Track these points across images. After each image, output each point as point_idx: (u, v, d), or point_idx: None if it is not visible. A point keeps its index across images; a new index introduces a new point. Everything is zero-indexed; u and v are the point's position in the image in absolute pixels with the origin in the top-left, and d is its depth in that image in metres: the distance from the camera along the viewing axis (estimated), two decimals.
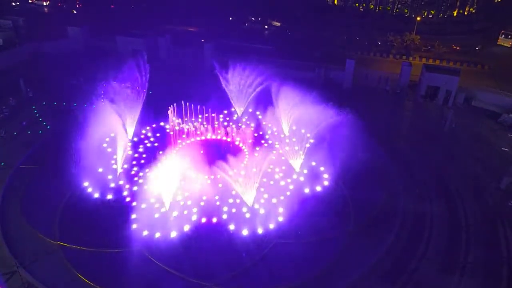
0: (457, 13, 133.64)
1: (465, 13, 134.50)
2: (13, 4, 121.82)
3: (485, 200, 46.13)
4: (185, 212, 39.53)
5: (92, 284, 32.69)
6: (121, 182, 43.28)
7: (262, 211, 40.37)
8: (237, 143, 52.31)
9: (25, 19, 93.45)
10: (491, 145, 57.99)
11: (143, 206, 40.31)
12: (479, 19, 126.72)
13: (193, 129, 54.57)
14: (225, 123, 56.70)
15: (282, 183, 44.45)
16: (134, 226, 37.93)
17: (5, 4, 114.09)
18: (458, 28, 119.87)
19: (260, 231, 38.00)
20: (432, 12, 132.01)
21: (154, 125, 54.78)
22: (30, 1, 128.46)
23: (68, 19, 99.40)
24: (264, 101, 57.85)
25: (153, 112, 55.94)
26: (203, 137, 53.07)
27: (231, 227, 38.14)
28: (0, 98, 60.37)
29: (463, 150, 56.28)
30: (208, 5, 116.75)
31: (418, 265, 36.54)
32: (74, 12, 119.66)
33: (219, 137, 53.54)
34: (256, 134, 53.99)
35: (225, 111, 59.62)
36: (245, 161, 46.07)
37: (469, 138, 59.54)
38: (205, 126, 55.69)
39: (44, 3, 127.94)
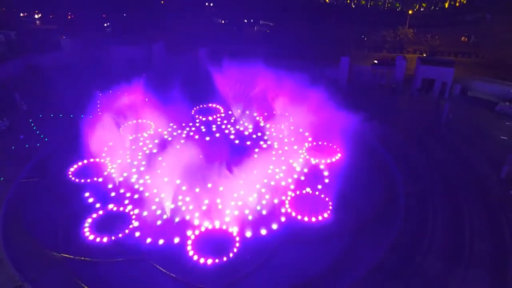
0: (448, 4, 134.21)
1: (457, 4, 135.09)
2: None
3: (486, 189, 46.10)
4: (187, 217, 39.49)
5: None
6: (122, 191, 43.23)
7: (264, 212, 40.36)
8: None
9: (17, 32, 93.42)
10: (489, 134, 58.04)
11: (145, 213, 40.26)
12: (470, 10, 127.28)
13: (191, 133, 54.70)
14: (223, 126, 56.79)
15: (283, 183, 44.42)
16: (137, 234, 37.90)
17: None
18: (451, 19, 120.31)
19: (263, 232, 38.02)
20: (424, 5, 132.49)
21: (151, 132, 54.65)
22: (22, 15, 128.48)
23: (60, 31, 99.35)
24: (261, 102, 57.90)
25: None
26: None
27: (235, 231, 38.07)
28: None
29: (462, 141, 56.33)
30: (199, 10, 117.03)
31: (423, 258, 36.50)
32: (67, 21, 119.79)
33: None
34: (254, 136, 54.00)
35: (222, 114, 59.61)
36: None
37: (467, 128, 59.59)
38: (203, 130, 55.81)
39: (36, 16, 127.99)
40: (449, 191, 45.69)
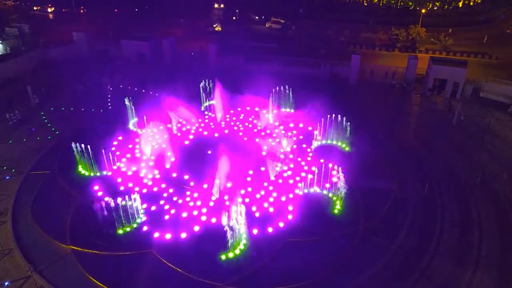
0: (462, 3, 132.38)
1: (471, 3, 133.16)
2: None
3: (497, 192, 45.52)
4: (195, 212, 39.67)
5: (105, 287, 32.91)
6: (130, 185, 43.55)
7: (271, 210, 40.34)
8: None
9: (31, 26, 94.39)
10: (501, 136, 57.29)
11: (153, 208, 40.50)
12: (485, 9, 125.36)
13: (201, 129, 54.83)
14: (232, 123, 56.79)
15: (291, 181, 44.34)
16: (144, 228, 38.16)
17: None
18: (464, 19, 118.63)
19: (270, 229, 38.00)
20: (437, 4, 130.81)
21: (161, 127, 54.87)
22: (35, 8, 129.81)
23: (73, 25, 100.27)
24: (270, 99, 57.70)
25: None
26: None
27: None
28: (8, 105, 61.05)
29: (473, 142, 55.69)
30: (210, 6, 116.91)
31: (430, 260, 36.25)
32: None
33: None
34: (263, 133, 53.95)
35: (232, 111, 59.57)
36: None
37: (478, 130, 58.87)
38: (212, 126, 55.88)
39: (49, 10, 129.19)
40: (459, 193, 45.24)
